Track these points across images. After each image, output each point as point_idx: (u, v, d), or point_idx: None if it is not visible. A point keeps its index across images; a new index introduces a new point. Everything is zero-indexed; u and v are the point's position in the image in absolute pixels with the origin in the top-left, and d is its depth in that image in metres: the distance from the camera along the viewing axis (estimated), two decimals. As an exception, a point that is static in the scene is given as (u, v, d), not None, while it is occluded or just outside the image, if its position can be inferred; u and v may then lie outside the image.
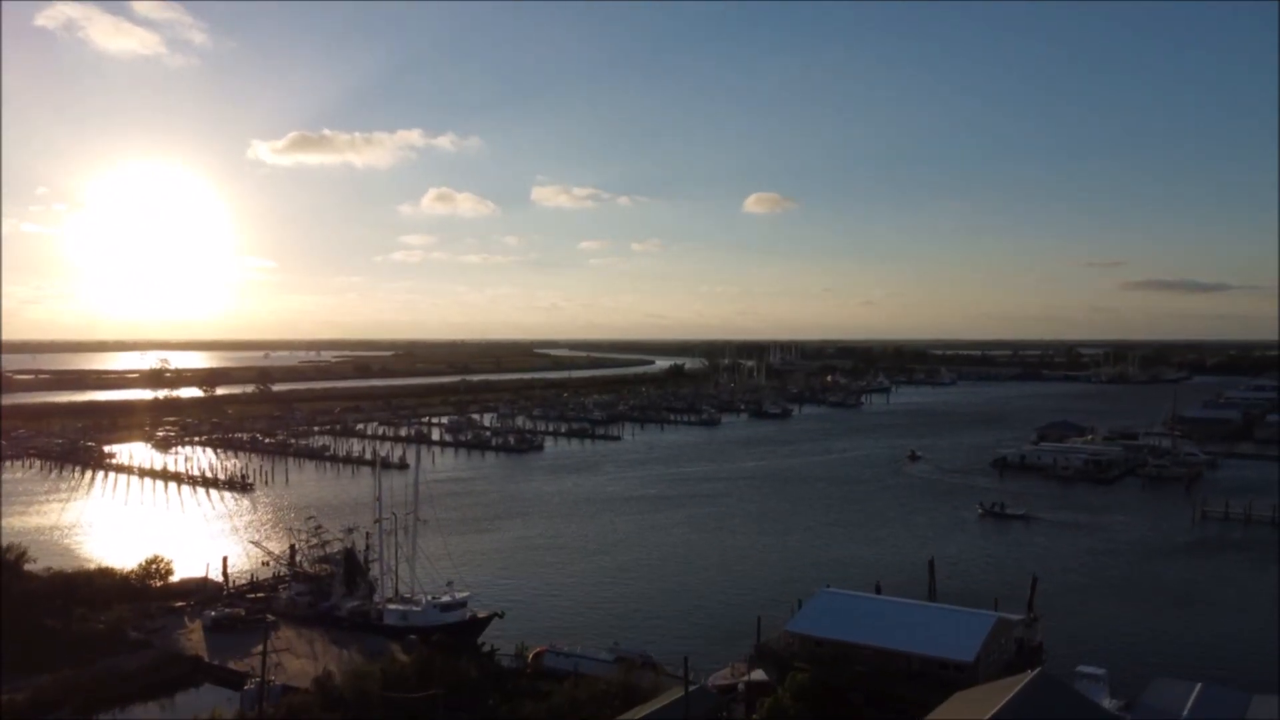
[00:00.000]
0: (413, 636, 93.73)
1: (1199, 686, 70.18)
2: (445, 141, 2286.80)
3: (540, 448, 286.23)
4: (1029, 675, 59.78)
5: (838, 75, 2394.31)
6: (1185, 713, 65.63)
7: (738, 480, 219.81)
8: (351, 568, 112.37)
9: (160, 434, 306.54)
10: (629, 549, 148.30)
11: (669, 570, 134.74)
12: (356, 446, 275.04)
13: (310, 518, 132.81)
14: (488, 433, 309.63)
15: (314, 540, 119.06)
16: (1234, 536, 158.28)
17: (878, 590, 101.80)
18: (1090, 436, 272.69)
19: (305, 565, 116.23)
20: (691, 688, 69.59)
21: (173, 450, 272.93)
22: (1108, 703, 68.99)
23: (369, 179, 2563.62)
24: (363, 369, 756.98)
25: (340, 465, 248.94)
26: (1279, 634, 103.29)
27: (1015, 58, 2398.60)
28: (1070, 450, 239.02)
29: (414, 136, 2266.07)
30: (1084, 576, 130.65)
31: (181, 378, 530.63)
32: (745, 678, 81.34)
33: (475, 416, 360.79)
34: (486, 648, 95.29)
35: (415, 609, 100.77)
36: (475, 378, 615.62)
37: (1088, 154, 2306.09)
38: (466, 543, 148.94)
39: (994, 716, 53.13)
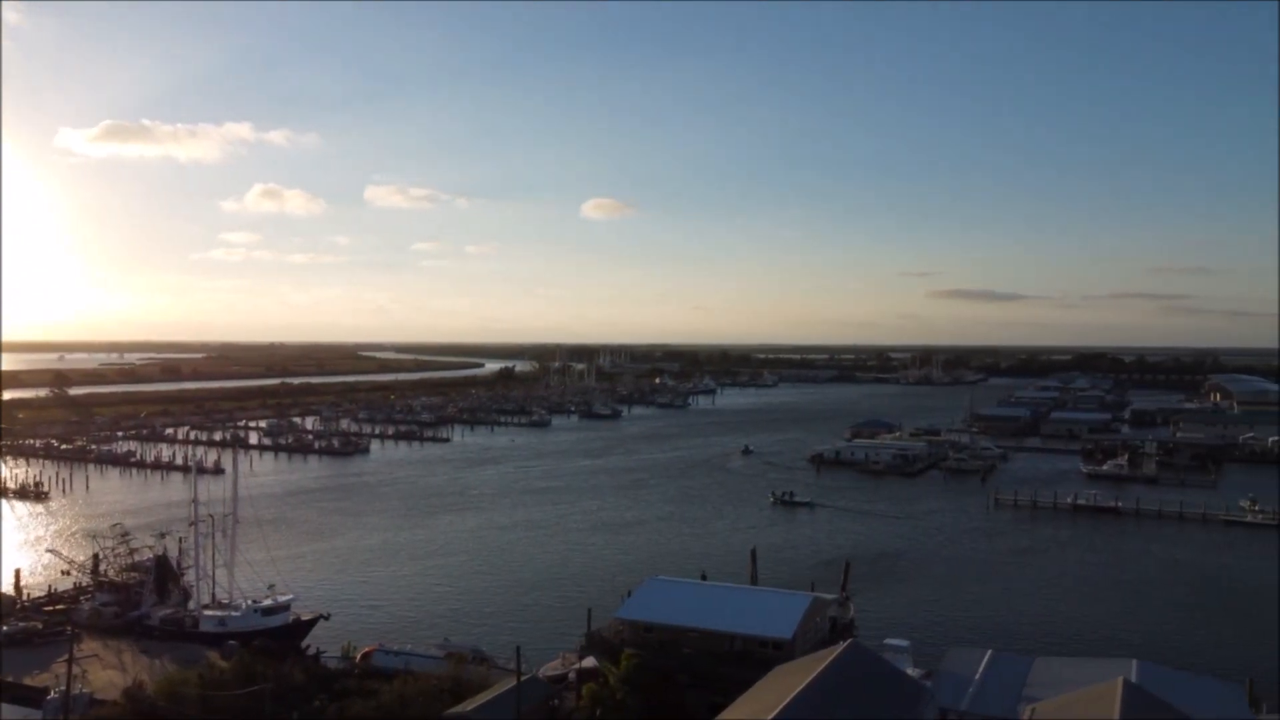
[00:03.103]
0: (232, 642, 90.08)
1: (989, 653, 76.75)
2: (279, 137, 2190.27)
3: (366, 450, 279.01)
4: (840, 647, 64.02)
5: (679, 86, 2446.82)
6: (977, 676, 71.74)
7: (571, 478, 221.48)
8: (163, 574, 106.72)
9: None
10: (464, 548, 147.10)
11: (504, 567, 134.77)
12: (166, 452, 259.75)
13: (116, 525, 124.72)
14: (310, 436, 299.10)
15: (120, 547, 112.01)
16: (1022, 521, 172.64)
17: (703, 578, 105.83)
18: (898, 433, 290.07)
19: (111, 574, 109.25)
20: (523, 678, 70.49)
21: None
22: (911, 670, 74.41)
23: (192, 173, 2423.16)
24: (172, 371, 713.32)
25: (148, 471, 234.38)
26: (1055, 607, 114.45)
27: (845, 75, 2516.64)
28: (880, 446, 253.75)
29: (244, 130, 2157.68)
30: (892, 560, 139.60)
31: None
32: (576, 666, 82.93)
33: (296, 420, 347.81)
34: (312, 650, 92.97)
35: (234, 614, 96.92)
36: (296, 380, 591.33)
37: (903, 169, 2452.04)
38: (292, 547, 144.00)
39: (808, 685, 56.72)
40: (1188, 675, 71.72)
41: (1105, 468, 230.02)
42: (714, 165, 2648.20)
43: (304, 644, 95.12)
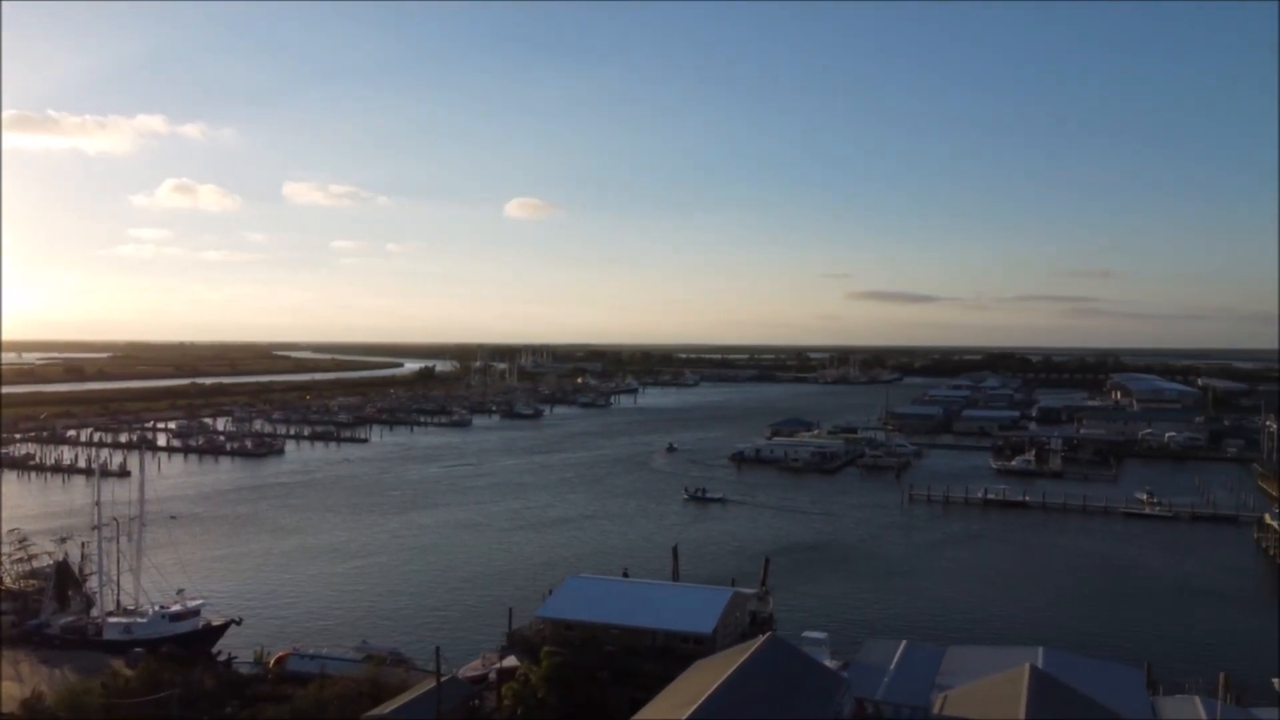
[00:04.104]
0: (138, 650, 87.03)
1: (904, 643, 78.52)
2: (193, 130, 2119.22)
3: (281, 452, 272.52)
4: (759, 641, 64.77)
5: (602, 87, 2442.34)
6: (892, 666, 73.35)
7: (493, 477, 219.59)
8: (64, 581, 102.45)
9: None
10: (384, 549, 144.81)
11: (425, 568, 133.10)
12: (69, 454, 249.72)
13: (13, 530, 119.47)
14: (222, 437, 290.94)
15: (18, 553, 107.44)
16: (935, 516, 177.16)
17: (625, 575, 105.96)
18: (816, 432, 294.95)
19: (7, 581, 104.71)
20: (443, 679, 69.64)
21: None
22: (828, 661, 75.70)
23: (100, 166, 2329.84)
24: (75, 371, 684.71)
25: (49, 475, 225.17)
26: (967, 598, 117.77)
27: (763, 78, 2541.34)
28: (799, 444, 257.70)
29: (156, 123, 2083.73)
30: (811, 554, 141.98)
31: None
32: (497, 665, 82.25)
33: (207, 420, 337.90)
34: (223, 656, 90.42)
35: (140, 620, 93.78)
36: (207, 380, 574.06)
37: (821, 172, 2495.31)
38: (203, 551, 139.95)
39: (728, 678, 57.23)
40: (1091, 660, 74.48)
41: (1014, 463, 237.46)
42: (637, 167, 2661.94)
43: (215, 650, 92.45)
